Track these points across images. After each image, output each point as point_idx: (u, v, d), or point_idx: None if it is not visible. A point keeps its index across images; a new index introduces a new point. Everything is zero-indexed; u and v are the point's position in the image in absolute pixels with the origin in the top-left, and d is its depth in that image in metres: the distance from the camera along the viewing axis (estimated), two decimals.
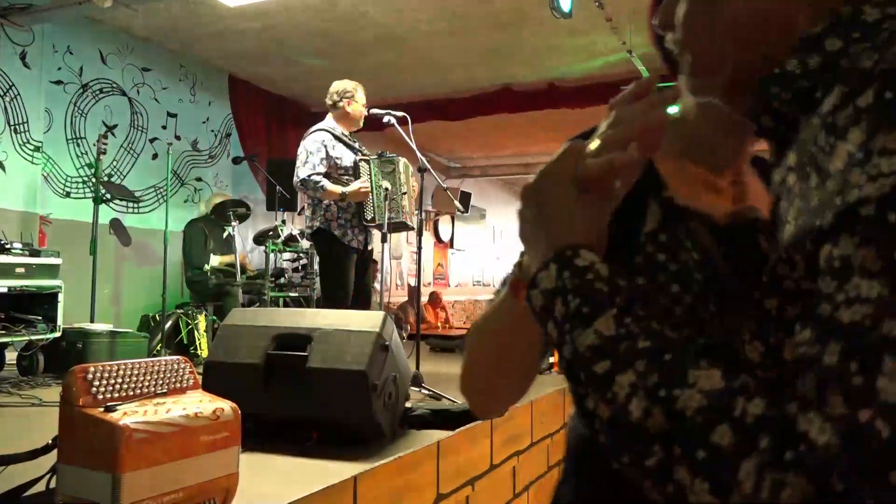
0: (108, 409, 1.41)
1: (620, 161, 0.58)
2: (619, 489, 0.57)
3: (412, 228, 4.30)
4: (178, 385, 1.62)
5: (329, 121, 4.23)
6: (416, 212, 4.21)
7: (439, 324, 9.36)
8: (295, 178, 4.09)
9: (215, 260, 5.53)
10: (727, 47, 0.62)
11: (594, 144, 0.60)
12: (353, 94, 4.21)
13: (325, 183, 4.02)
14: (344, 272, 4.08)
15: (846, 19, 0.55)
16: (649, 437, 0.47)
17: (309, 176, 4.01)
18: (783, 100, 0.59)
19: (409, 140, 3.85)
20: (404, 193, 4.08)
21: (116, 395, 1.47)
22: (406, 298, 9.44)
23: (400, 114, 3.97)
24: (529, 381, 0.82)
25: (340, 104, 4.20)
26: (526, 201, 0.64)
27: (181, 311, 5.10)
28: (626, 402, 0.49)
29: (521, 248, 0.73)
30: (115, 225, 5.28)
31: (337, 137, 4.17)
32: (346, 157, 4.15)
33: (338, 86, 4.25)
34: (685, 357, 0.49)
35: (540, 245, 0.61)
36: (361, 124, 4.33)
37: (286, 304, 5.73)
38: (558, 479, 0.81)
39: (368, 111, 4.22)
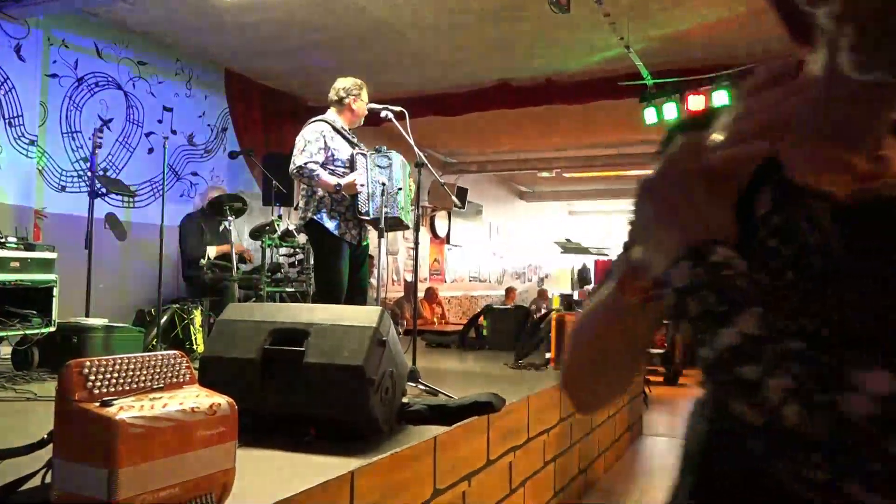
0: (104, 404, 1.40)
1: (752, 153, 0.56)
2: (748, 495, 0.56)
3: (408, 227, 4.29)
4: (175, 380, 1.61)
5: (331, 114, 4.23)
6: (413, 209, 4.20)
7: (435, 319, 9.36)
8: (291, 166, 4.08)
9: (211, 251, 5.51)
10: None
11: (720, 136, 0.58)
12: (359, 93, 4.21)
13: (321, 172, 4.01)
14: (336, 265, 4.06)
15: None
16: (809, 446, 0.45)
17: (305, 164, 4.00)
18: None
19: (406, 135, 3.84)
20: (399, 189, 4.07)
21: (112, 389, 1.46)
22: (402, 294, 9.43)
23: (397, 108, 3.96)
24: (633, 376, 0.81)
25: (346, 100, 4.20)
26: (645, 196, 0.62)
27: (177, 305, 5.08)
28: (779, 407, 0.46)
29: (625, 240, 0.71)
30: (111, 219, 5.27)
31: (336, 130, 4.16)
32: (344, 151, 4.14)
33: (344, 82, 4.24)
34: (845, 357, 0.45)
35: (665, 242, 0.58)
36: (361, 122, 4.33)
37: (282, 300, 5.71)
38: (676, 481, 0.79)
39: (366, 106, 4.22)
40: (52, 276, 3.88)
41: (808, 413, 0.44)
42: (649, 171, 0.63)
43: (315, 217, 4.06)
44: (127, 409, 1.41)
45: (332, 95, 4.25)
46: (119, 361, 1.51)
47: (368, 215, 4.02)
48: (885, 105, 0.61)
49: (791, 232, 0.60)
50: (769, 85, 0.59)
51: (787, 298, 0.56)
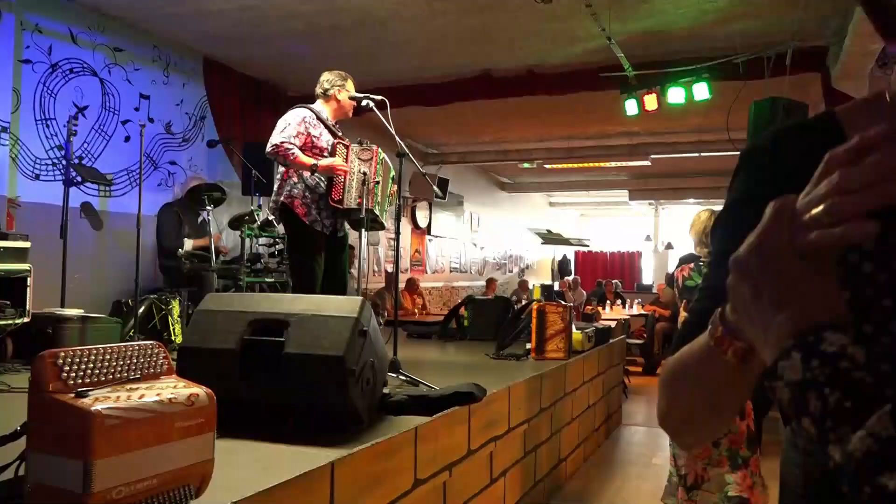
0: (80, 395, 1.38)
1: (857, 236, 0.50)
2: None
3: (383, 227, 4.27)
4: (152, 370, 1.59)
5: (317, 105, 4.20)
6: (392, 204, 4.18)
7: (416, 310, 9.35)
8: (268, 146, 4.02)
9: (188, 244, 5.45)
10: None
11: (818, 210, 0.52)
12: (343, 84, 4.17)
13: (297, 151, 3.94)
14: (305, 252, 4.01)
15: None
16: None
17: (281, 142, 3.95)
18: None
19: (387, 125, 3.81)
20: (377, 183, 4.04)
21: (88, 380, 1.43)
22: (383, 285, 9.41)
23: (378, 98, 3.93)
24: (735, 416, 0.81)
25: (331, 92, 4.16)
26: (741, 276, 0.57)
27: (154, 296, 5.03)
28: None
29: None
30: (87, 209, 5.18)
31: (320, 120, 4.13)
32: (325, 138, 4.10)
33: (328, 74, 4.21)
34: None
35: (769, 326, 0.54)
36: (350, 115, 4.29)
37: (262, 290, 5.67)
38: None
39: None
40: (25, 266, 3.81)
41: None
42: (744, 247, 0.57)
43: (286, 201, 4.02)
44: (103, 400, 1.38)
45: (318, 88, 4.22)
46: (95, 352, 1.48)
47: (341, 204, 3.96)
48: None
49: (886, 258, 0.57)
50: (866, 151, 0.51)
51: None
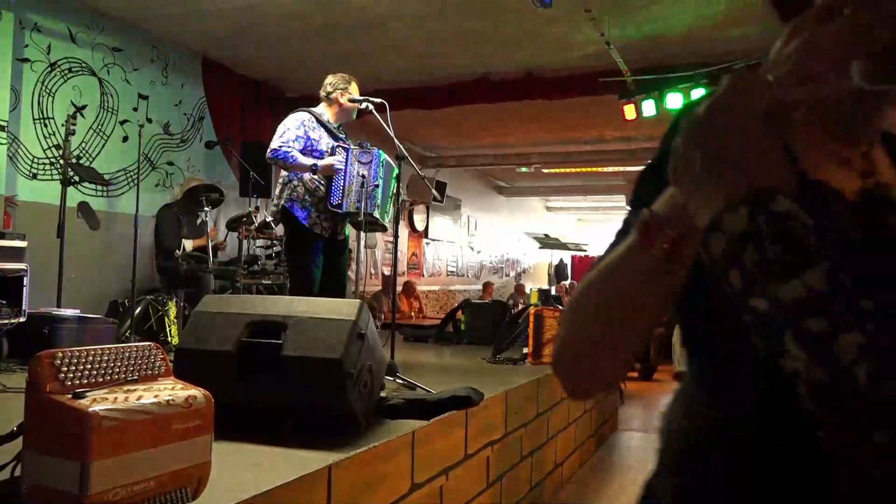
0: (77, 396, 1.37)
1: (827, 92, 0.51)
2: (733, 487, 0.54)
3: (385, 229, 4.28)
4: (150, 372, 1.58)
5: (320, 107, 4.21)
6: (391, 210, 4.19)
7: (413, 313, 9.35)
8: (268, 152, 4.05)
9: (188, 244, 5.44)
10: None
11: (781, 72, 0.53)
12: (346, 87, 4.18)
13: (296, 154, 3.98)
14: (304, 256, 4.02)
15: None
16: (881, 406, 0.43)
17: (280, 146, 3.98)
18: None
19: (387, 127, 3.81)
20: (376, 186, 4.04)
21: (85, 381, 1.43)
22: (380, 288, 9.40)
23: (378, 100, 3.94)
24: (639, 352, 0.73)
25: (333, 95, 4.17)
26: (695, 138, 0.56)
27: (151, 297, 5.01)
28: (850, 367, 0.44)
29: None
30: (84, 208, 5.16)
31: (321, 123, 4.13)
32: (325, 141, 4.10)
33: (332, 77, 4.23)
34: None
35: (716, 187, 0.54)
36: (353, 117, 4.29)
37: (259, 292, 5.66)
38: (652, 474, 0.75)
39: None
40: (22, 265, 3.80)
41: (881, 372, 0.43)
42: (698, 111, 0.56)
43: (286, 206, 4.03)
44: (100, 402, 1.38)
45: (322, 91, 4.24)
46: (92, 352, 1.48)
47: (341, 208, 3.98)
48: (881, 112, 0.59)
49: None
50: (829, 15, 0.52)
51: (857, 259, 0.52)
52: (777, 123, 0.53)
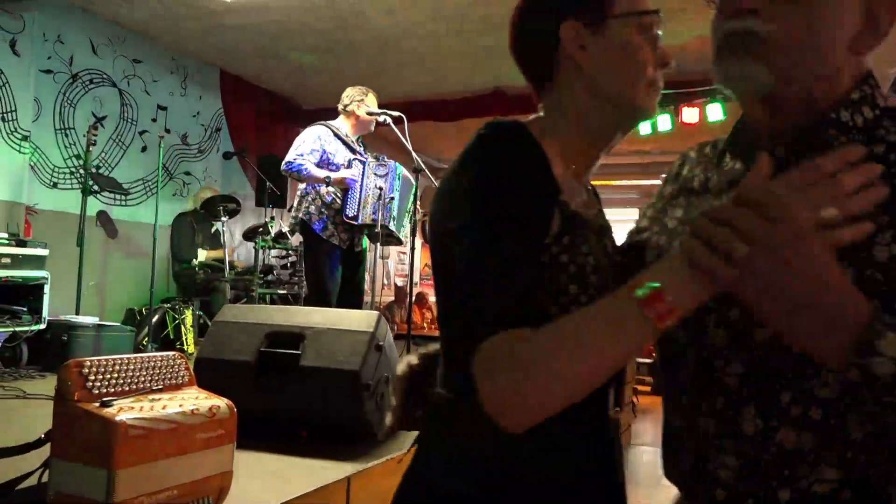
0: (104, 405, 1.39)
1: (861, 236, 0.65)
2: None
3: (400, 242, 4.31)
4: (174, 381, 1.61)
5: (338, 121, 4.25)
6: (407, 223, 4.22)
7: (425, 324, 9.35)
8: (283, 164, 4.10)
9: (202, 255, 5.49)
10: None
11: (830, 213, 0.63)
12: (362, 98, 4.21)
13: (310, 166, 4.02)
14: (322, 267, 4.05)
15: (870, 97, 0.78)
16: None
17: (294, 159, 4.03)
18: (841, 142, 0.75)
19: (404, 140, 3.85)
20: (392, 199, 4.07)
21: (112, 390, 1.45)
22: (393, 298, 9.42)
23: (396, 113, 3.97)
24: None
25: (350, 107, 4.20)
26: (791, 261, 0.63)
27: (168, 305, 5.06)
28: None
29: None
30: (103, 217, 5.23)
31: (338, 136, 4.17)
32: (341, 155, 4.14)
33: (350, 90, 4.26)
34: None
35: (825, 307, 0.63)
36: (371, 129, 4.31)
37: (273, 301, 5.70)
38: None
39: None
40: (43, 273, 3.85)
41: None
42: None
43: (304, 218, 4.07)
44: (127, 410, 1.40)
45: (339, 104, 4.27)
46: (118, 362, 1.51)
47: (356, 220, 4.01)
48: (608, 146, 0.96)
49: (575, 253, 0.86)
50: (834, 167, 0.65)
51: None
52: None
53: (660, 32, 0.91)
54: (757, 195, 0.64)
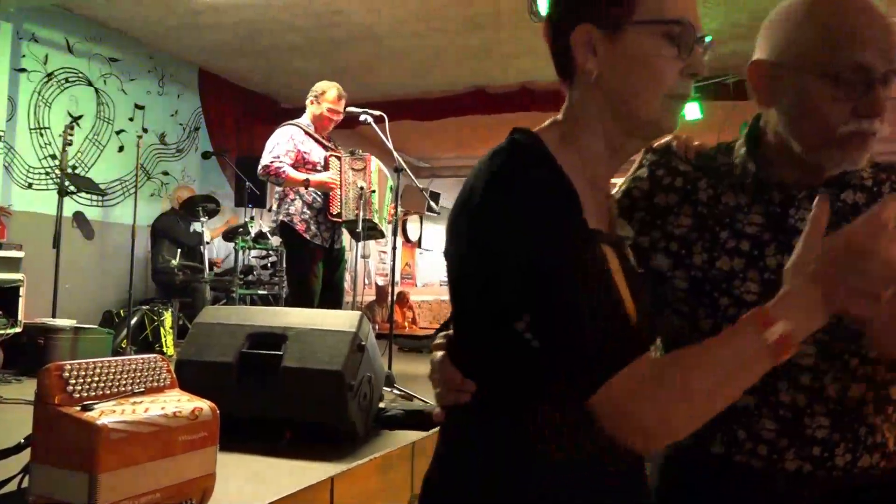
0: (85, 408, 1.38)
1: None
2: None
3: (383, 235, 4.29)
4: (155, 384, 1.59)
5: (304, 118, 4.20)
6: (391, 215, 4.20)
7: (406, 323, 9.34)
8: (259, 168, 4.05)
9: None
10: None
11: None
12: (318, 95, 4.13)
13: (287, 169, 3.96)
14: (305, 268, 4.02)
15: None
16: None
17: (270, 162, 3.97)
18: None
19: (385, 139, 3.84)
20: (373, 192, 4.06)
21: (93, 393, 1.44)
22: (374, 298, 9.40)
23: (377, 112, 3.96)
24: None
25: (309, 103, 4.17)
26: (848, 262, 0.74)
27: (146, 307, 5.01)
28: None
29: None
30: (79, 218, 5.16)
31: (308, 134, 4.13)
32: (316, 152, 4.11)
33: (315, 85, 4.21)
34: None
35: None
36: (333, 122, 4.20)
37: (254, 302, 5.66)
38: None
39: (344, 109, 4.17)
40: (18, 276, 3.80)
41: None
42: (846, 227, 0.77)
43: (285, 219, 4.03)
44: (108, 414, 1.39)
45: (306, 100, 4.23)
46: (100, 365, 1.49)
47: (340, 217, 3.99)
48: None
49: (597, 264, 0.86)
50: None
51: None
52: None
53: (708, 38, 0.86)
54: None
